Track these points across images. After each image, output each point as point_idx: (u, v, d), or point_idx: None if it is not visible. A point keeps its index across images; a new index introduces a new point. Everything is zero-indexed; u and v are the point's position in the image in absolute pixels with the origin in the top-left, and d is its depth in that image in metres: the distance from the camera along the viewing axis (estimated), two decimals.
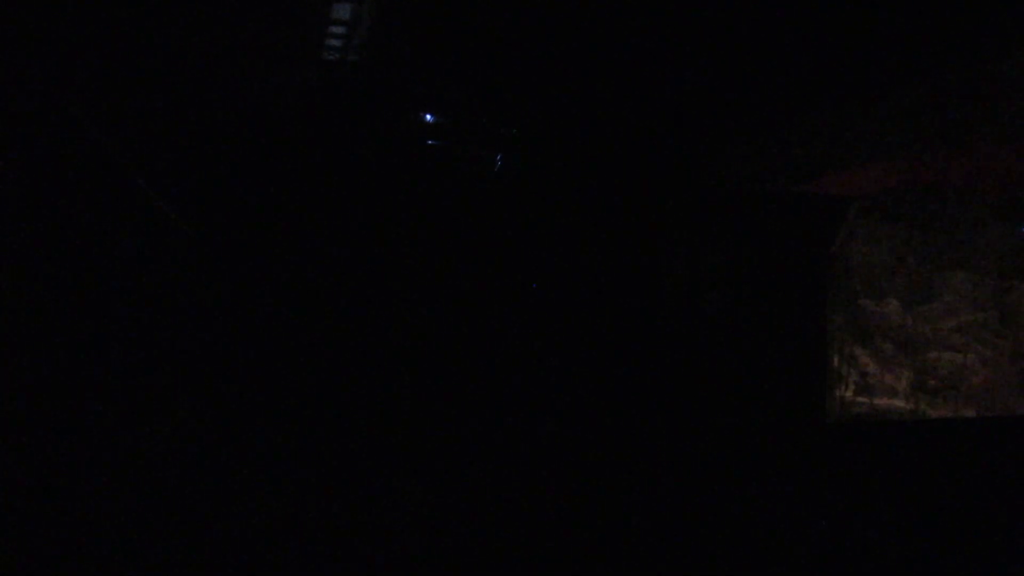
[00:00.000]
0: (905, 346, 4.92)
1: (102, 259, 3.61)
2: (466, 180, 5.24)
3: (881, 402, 4.96)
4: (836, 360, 5.08)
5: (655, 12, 4.25)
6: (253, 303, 4.60)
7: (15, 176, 3.00)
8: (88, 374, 3.52)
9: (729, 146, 5.14)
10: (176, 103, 4.24)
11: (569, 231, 5.24)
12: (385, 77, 5.01)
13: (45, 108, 3.17)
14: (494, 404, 4.89)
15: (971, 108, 3.78)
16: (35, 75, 3.14)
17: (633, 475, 4.32)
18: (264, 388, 4.53)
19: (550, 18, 4.50)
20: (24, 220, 3.06)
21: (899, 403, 4.92)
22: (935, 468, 3.57)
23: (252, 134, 4.63)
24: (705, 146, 5.23)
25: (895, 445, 3.84)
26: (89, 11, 3.56)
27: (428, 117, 5.13)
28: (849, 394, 5.02)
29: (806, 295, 5.12)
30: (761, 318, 5.16)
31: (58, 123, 3.25)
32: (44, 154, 3.17)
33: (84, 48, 3.54)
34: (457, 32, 4.79)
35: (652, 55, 4.58)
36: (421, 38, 4.82)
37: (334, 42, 4.95)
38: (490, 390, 4.92)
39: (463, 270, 5.07)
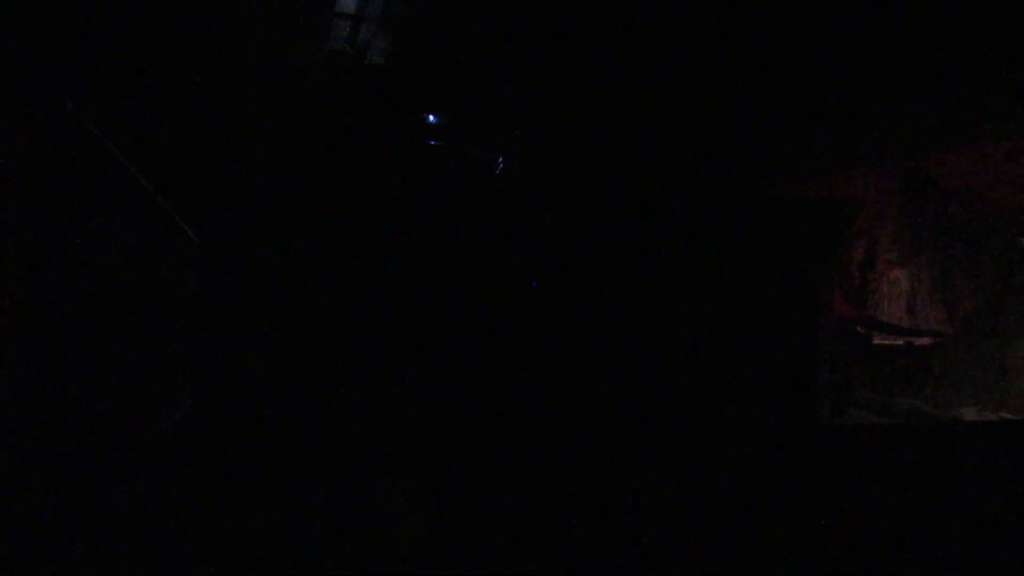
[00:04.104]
0: None
1: (107, 262, 3.62)
2: (468, 180, 5.24)
3: None
4: None
5: (655, 14, 4.25)
6: (256, 302, 4.61)
7: (21, 179, 3.00)
8: (93, 376, 3.53)
9: (730, 147, 5.14)
10: (180, 106, 4.25)
11: (569, 231, 5.23)
12: (389, 78, 5.01)
13: (50, 110, 3.17)
14: (494, 403, 4.89)
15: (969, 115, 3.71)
16: (40, 76, 3.14)
17: (632, 475, 4.32)
18: (267, 388, 4.55)
19: (552, 19, 4.50)
20: (30, 224, 3.06)
21: None
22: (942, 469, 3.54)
23: (253, 136, 4.64)
24: (706, 146, 5.22)
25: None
26: (93, 14, 3.57)
27: (431, 118, 5.14)
28: None
29: (807, 295, 5.08)
30: (761, 318, 5.14)
31: (62, 125, 3.26)
32: (49, 157, 3.18)
33: (88, 50, 3.55)
34: (461, 32, 4.79)
35: (652, 57, 4.58)
36: (425, 38, 4.82)
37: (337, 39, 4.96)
38: (490, 389, 4.92)
39: (465, 268, 5.08)
